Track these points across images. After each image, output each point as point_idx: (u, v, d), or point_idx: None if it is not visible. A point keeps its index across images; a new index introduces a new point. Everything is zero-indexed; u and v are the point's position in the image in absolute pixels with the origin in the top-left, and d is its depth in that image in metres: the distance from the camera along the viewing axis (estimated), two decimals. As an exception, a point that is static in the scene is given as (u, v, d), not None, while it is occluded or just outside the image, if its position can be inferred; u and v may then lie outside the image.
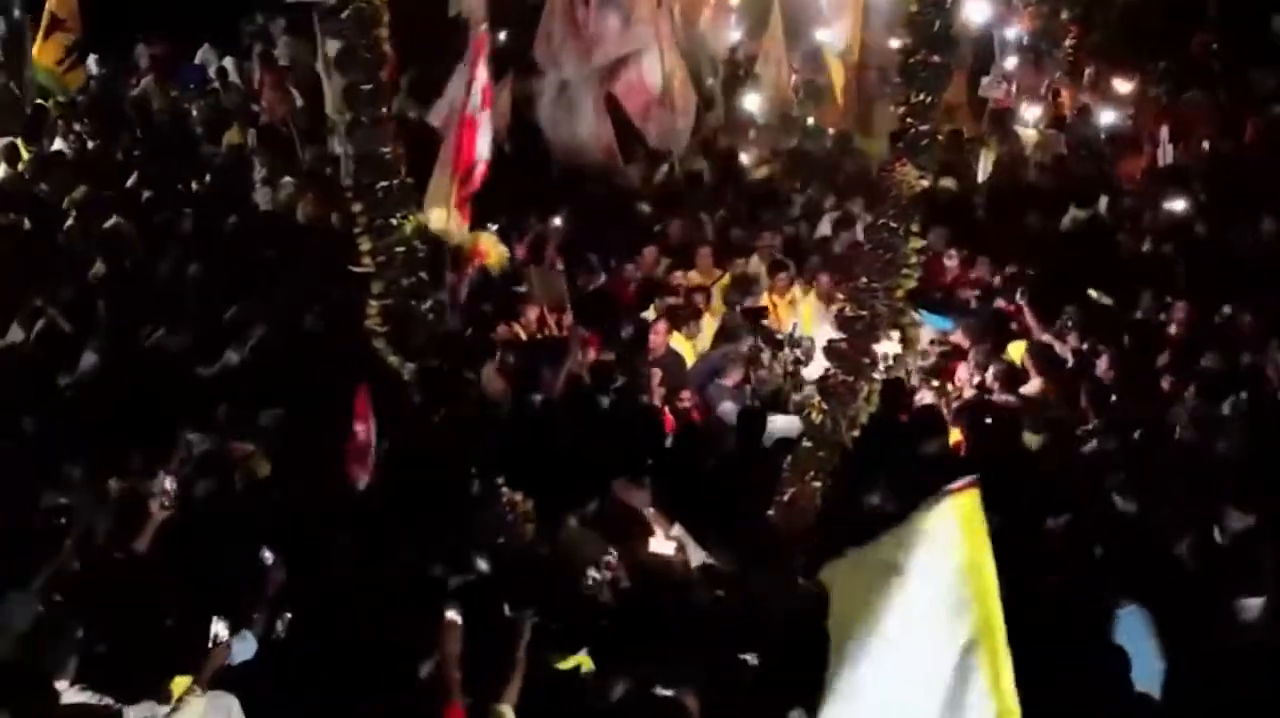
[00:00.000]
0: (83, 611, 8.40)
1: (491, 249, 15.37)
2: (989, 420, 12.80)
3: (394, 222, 10.63)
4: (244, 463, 11.34)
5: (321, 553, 9.81)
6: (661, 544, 10.27)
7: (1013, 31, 23.83)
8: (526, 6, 21.23)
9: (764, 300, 15.81)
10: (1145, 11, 23.56)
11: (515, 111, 18.94)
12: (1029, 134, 21.27)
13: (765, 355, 14.31)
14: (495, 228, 15.74)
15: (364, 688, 8.38)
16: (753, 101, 21.55)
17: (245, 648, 8.72)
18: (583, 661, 8.67)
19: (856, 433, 11.05)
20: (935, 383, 14.09)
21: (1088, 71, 23.41)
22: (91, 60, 23.28)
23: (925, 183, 10.69)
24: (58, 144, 20.11)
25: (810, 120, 21.36)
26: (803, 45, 23.05)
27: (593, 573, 9.72)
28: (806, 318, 15.62)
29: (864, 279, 10.89)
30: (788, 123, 21.29)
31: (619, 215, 18.11)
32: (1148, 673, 8.88)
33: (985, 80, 22.45)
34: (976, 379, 14.07)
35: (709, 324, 15.47)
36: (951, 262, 16.70)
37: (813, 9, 23.19)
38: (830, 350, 11.18)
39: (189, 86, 23.27)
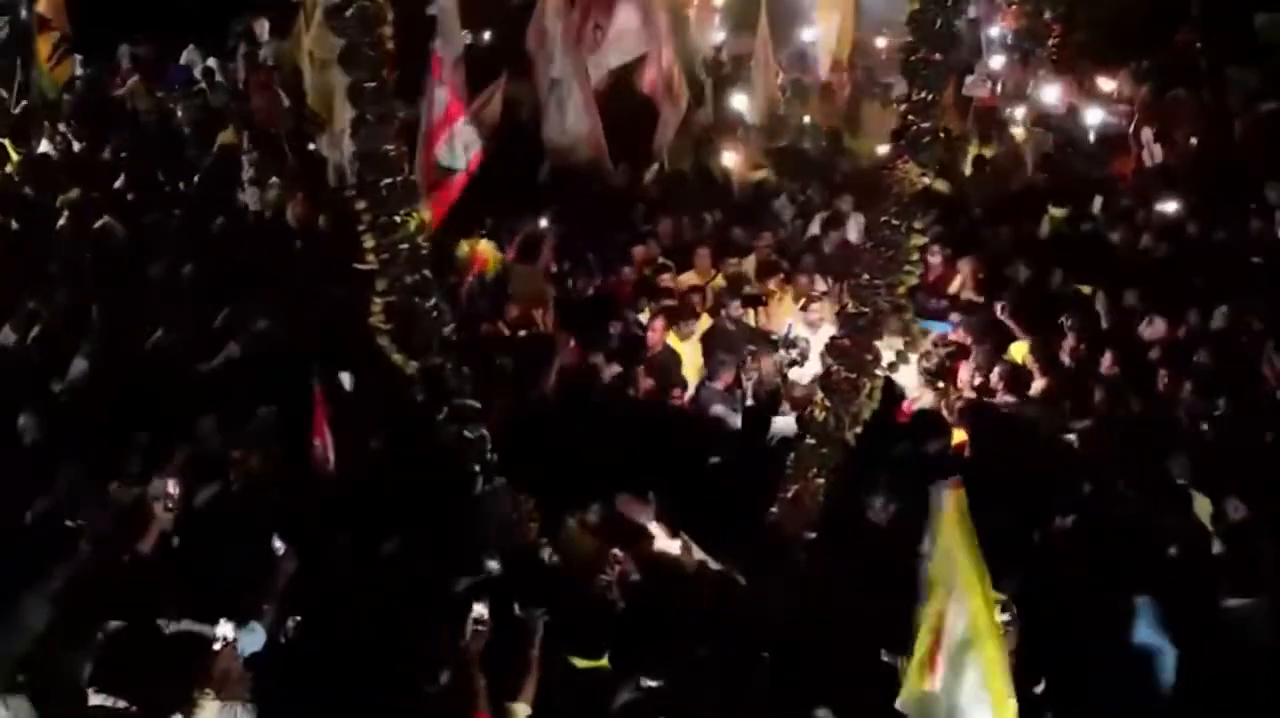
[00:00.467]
0: (95, 614, 8.41)
1: (491, 256, 15.46)
2: (993, 421, 12.87)
3: (397, 219, 10.52)
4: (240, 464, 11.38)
5: (325, 552, 9.84)
6: (666, 544, 10.29)
7: (996, 30, 23.92)
8: (511, 6, 21.31)
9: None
10: (1128, 9, 23.66)
11: (507, 112, 18.97)
12: (1017, 133, 21.28)
13: (760, 356, 14.22)
14: (486, 229, 15.93)
15: (375, 690, 8.41)
16: (742, 101, 21.57)
17: (254, 640, 8.74)
18: (603, 664, 8.69)
19: (859, 430, 11.04)
20: (939, 384, 14.08)
21: (1070, 69, 23.47)
22: (76, 60, 23.25)
23: (927, 180, 10.68)
24: (44, 146, 20.08)
25: (807, 119, 21.25)
26: (790, 45, 23.10)
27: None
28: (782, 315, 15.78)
29: (866, 276, 10.87)
30: (776, 123, 21.25)
31: (610, 215, 18.06)
32: (1159, 665, 9.15)
33: (969, 79, 22.50)
34: (979, 381, 14.10)
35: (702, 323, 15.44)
36: (935, 258, 16.65)
37: (800, 8, 23.24)
38: (832, 347, 11.18)
39: (174, 87, 23.21)
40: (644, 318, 15.13)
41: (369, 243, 10.60)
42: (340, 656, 8.72)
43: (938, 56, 10.57)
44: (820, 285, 15.81)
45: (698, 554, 10.21)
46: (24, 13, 21.50)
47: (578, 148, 18.74)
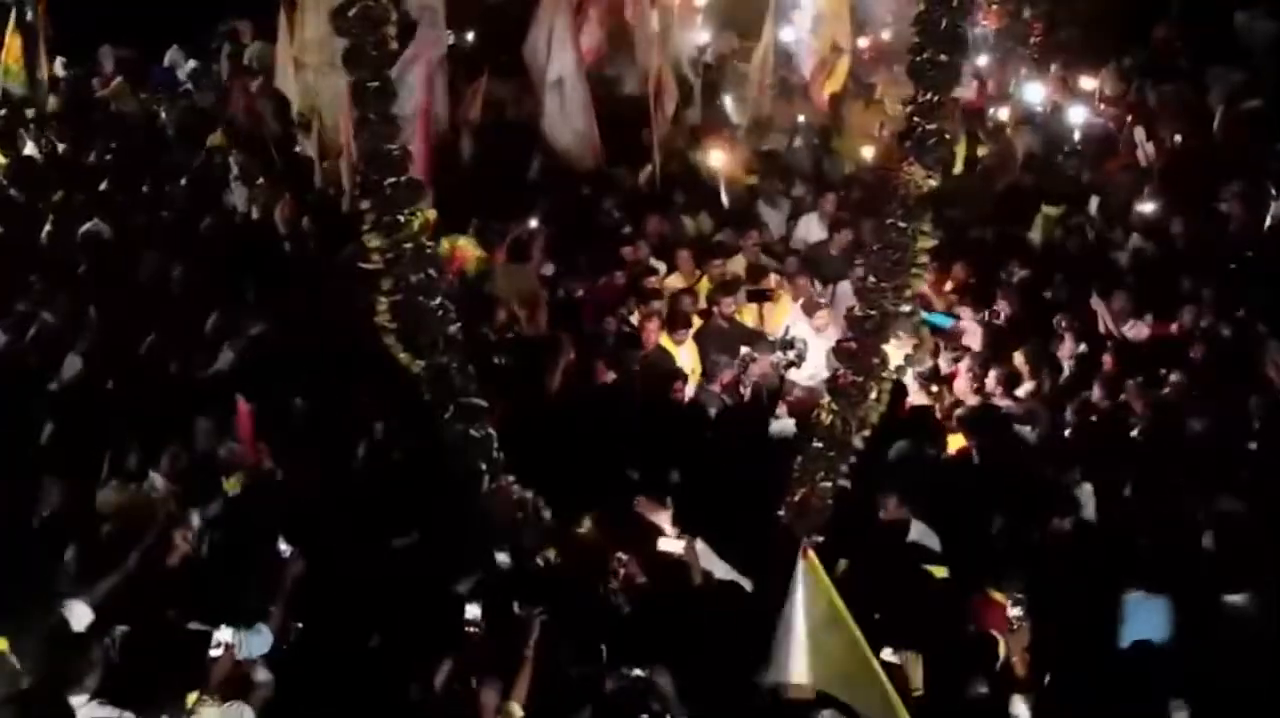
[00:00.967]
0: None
1: (471, 254, 15.34)
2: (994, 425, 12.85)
3: (401, 218, 10.47)
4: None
5: (329, 552, 9.86)
6: (670, 545, 10.24)
7: (979, 29, 23.86)
8: (487, 6, 21.20)
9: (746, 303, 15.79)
10: (1108, 7, 23.67)
11: (495, 113, 18.87)
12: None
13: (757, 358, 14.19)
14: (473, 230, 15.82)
15: (376, 690, 8.37)
16: (732, 103, 21.52)
17: (260, 643, 8.77)
18: None
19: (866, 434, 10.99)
20: (934, 388, 14.04)
21: (1053, 67, 23.44)
22: (59, 62, 23.12)
23: (933, 183, 10.60)
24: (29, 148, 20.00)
25: (801, 118, 21.19)
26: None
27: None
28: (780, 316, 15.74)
29: (872, 278, 10.82)
30: (763, 125, 21.18)
31: (601, 216, 17.97)
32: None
33: (953, 81, 22.37)
34: (976, 385, 14.05)
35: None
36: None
37: (781, 7, 23.17)
38: (839, 350, 11.14)
39: (157, 89, 23.01)
40: (635, 319, 15.08)
41: (374, 242, 10.57)
42: (342, 656, 8.76)
43: (944, 58, 10.50)
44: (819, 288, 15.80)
45: (703, 558, 10.14)
46: (30, 14, 21.31)
47: (579, 148, 18.67)
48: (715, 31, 23.60)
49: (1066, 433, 13.07)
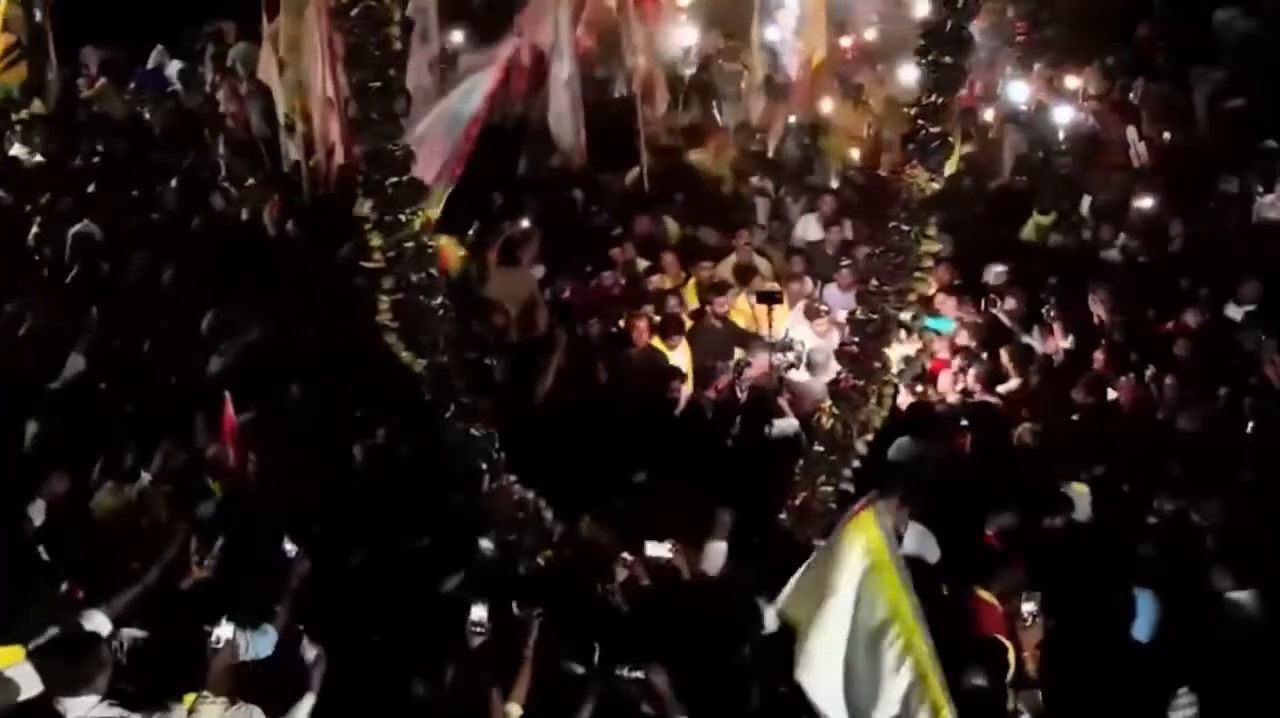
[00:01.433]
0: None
1: (452, 254, 15.26)
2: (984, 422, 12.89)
3: (403, 218, 10.51)
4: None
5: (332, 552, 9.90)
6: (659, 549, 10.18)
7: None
8: (472, 6, 21.10)
9: (738, 303, 15.74)
10: (1091, 6, 23.68)
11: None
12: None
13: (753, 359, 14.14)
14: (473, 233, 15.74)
15: (381, 690, 8.32)
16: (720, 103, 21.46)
17: (266, 643, 8.80)
18: None
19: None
20: (918, 388, 14.05)
21: (1037, 66, 23.43)
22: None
23: (936, 186, 10.54)
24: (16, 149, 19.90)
25: (792, 118, 21.12)
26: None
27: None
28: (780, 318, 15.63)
29: (875, 282, 10.80)
30: (751, 125, 21.10)
31: (591, 217, 17.94)
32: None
33: (945, 80, 22.33)
34: (960, 385, 14.05)
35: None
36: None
37: (765, 6, 23.11)
38: (841, 354, 11.12)
39: (141, 89, 22.80)
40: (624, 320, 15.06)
41: (375, 241, 10.61)
42: (347, 656, 8.66)
43: (948, 60, 10.45)
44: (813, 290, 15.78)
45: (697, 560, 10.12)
46: (38, 15, 21.16)
47: (571, 148, 18.70)
48: (701, 31, 23.41)
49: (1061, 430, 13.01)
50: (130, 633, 8.65)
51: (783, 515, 11.09)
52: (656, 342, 14.57)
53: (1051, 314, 15.04)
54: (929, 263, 10.73)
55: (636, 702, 8.24)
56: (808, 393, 13.76)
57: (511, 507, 10.83)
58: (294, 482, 11.15)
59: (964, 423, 12.93)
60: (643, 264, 16.69)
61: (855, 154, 20.80)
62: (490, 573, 9.96)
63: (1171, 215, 17.09)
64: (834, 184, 19.95)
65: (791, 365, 14.02)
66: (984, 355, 14.50)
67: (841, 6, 23.91)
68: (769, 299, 15.19)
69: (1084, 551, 10.54)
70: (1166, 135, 19.98)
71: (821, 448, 10.99)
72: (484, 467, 10.81)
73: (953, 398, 14.10)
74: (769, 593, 9.11)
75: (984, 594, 9.37)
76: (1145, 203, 17.45)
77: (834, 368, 12.24)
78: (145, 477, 11.20)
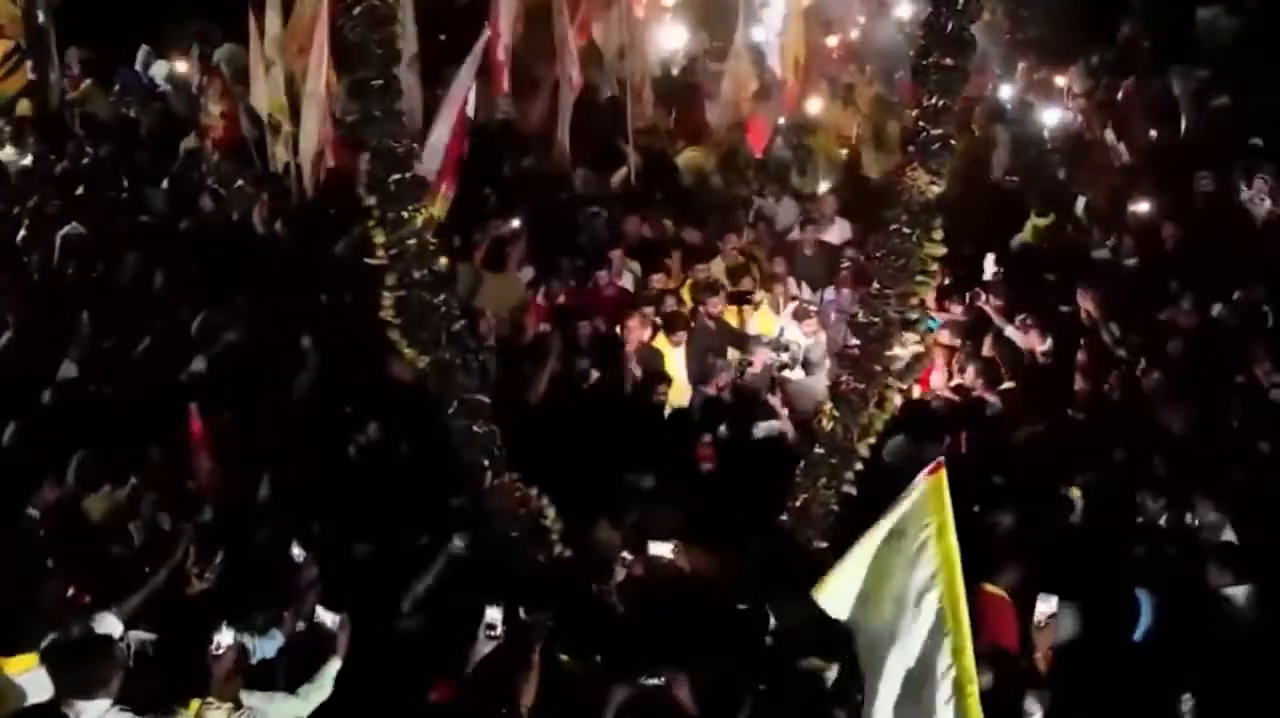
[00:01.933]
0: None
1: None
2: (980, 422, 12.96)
3: (405, 214, 10.45)
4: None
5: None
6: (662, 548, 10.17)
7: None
8: (455, 8, 21.04)
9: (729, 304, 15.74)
10: (1074, 5, 23.76)
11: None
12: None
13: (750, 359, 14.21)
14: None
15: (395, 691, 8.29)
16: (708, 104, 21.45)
17: (272, 647, 8.93)
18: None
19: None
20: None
21: (1021, 65, 23.49)
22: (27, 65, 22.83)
23: (937, 188, 10.48)
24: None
25: (781, 120, 21.10)
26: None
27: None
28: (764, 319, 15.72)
29: (876, 285, 10.75)
30: (740, 126, 21.08)
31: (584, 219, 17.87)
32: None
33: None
34: (955, 382, 14.04)
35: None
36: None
37: (754, 7, 23.12)
38: (842, 357, 11.11)
39: (126, 90, 22.77)
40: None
41: (379, 238, 10.53)
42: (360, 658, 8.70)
43: (949, 62, 10.38)
44: (805, 292, 15.76)
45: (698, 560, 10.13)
46: (41, 16, 21.09)
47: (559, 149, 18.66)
48: (688, 32, 23.42)
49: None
50: (138, 636, 8.68)
51: (784, 517, 11.07)
52: (660, 340, 14.66)
53: (1031, 314, 14.99)
54: (932, 266, 10.63)
55: (657, 708, 8.21)
56: (805, 393, 13.79)
57: (513, 504, 10.77)
58: (293, 481, 11.15)
59: (960, 422, 12.99)
60: (633, 265, 16.66)
61: (844, 154, 20.83)
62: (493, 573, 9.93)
63: (1160, 214, 17.09)
64: (822, 186, 19.97)
65: (785, 365, 13.99)
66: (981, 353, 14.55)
67: (827, 6, 23.99)
68: (740, 300, 15.21)
69: (1082, 550, 10.59)
70: (1153, 133, 20.05)
71: (822, 450, 10.94)
72: (486, 463, 10.73)
73: (948, 396, 14.12)
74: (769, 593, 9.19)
75: (992, 589, 9.36)
76: (1134, 201, 17.43)
77: (828, 366, 12.35)
78: (134, 480, 11.17)
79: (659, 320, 14.92)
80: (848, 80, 22.60)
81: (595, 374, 13.72)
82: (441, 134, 15.02)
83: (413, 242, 10.45)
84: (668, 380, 13.66)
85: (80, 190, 18.11)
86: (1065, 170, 19.52)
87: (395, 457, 11.77)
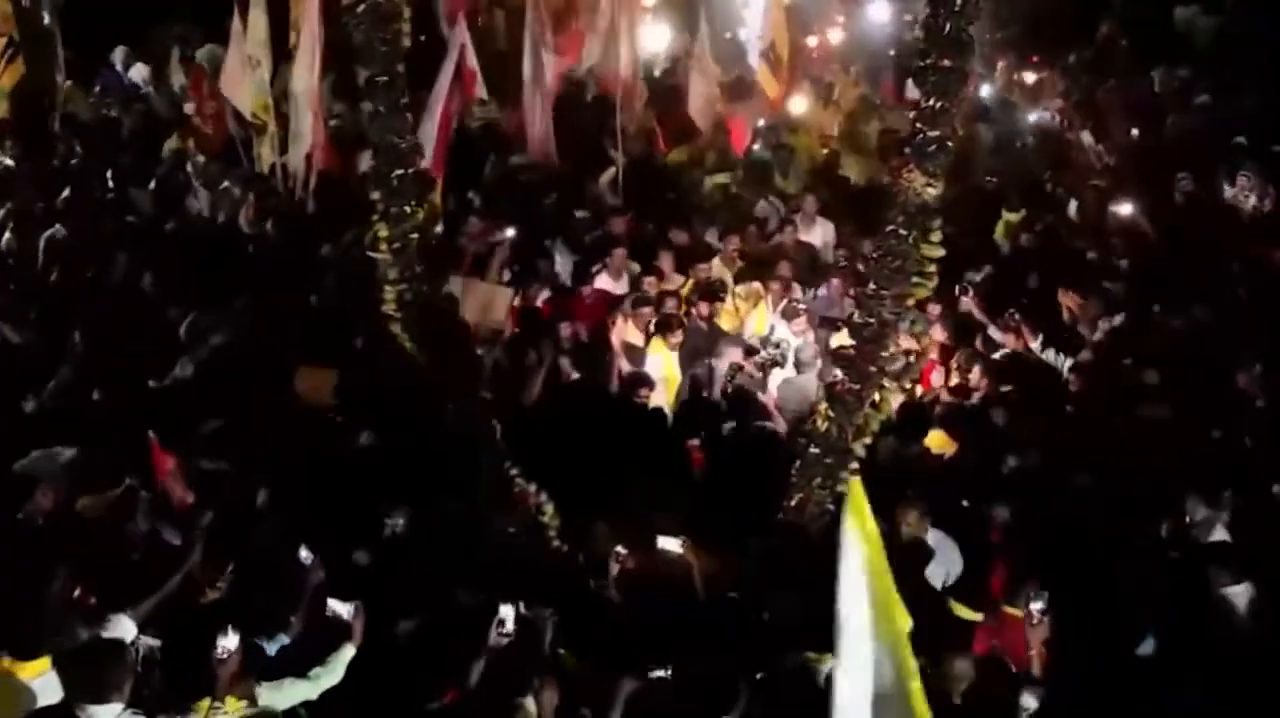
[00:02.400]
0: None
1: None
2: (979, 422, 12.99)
3: (408, 209, 10.61)
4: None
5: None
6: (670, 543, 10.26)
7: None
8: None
9: (727, 304, 15.79)
10: (1052, 5, 23.88)
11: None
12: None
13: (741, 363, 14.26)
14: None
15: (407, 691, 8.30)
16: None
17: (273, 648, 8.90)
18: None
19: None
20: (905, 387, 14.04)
21: (1000, 65, 23.60)
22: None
23: (934, 190, 10.47)
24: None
25: (761, 122, 21.15)
26: (725, 43, 23.00)
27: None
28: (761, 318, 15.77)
29: (872, 286, 10.76)
30: (721, 126, 21.12)
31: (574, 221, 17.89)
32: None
33: (910, 82, 22.41)
34: (955, 382, 14.12)
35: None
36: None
37: (733, 7, 23.16)
38: (838, 357, 11.13)
39: (106, 91, 22.73)
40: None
41: (382, 232, 10.67)
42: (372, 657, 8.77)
43: (948, 63, 10.35)
44: (795, 291, 15.82)
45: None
46: (46, 18, 20.99)
47: (539, 148, 18.70)
48: (672, 32, 23.46)
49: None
50: (146, 641, 8.66)
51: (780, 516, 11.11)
52: (657, 343, 14.69)
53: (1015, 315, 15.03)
54: (930, 267, 10.61)
55: (664, 700, 8.24)
56: (796, 391, 13.84)
57: (513, 499, 10.86)
58: (291, 483, 11.12)
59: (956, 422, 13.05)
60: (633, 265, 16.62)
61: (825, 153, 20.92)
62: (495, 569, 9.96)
63: (1143, 213, 17.20)
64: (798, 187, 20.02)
65: (775, 363, 14.05)
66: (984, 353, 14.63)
67: (805, 7, 24.04)
68: (711, 295, 15.33)
69: (1081, 549, 10.63)
70: (1135, 132, 20.17)
71: (818, 450, 10.97)
72: (484, 459, 10.85)
73: (945, 397, 14.19)
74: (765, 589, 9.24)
75: (1011, 611, 9.42)
76: (1115, 201, 17.52)
77: (819, 366, 12.40)
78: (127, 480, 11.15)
79: (653, 323, 14.94)
80: (829, 79, 22.62)
81: (575, 375, 13.78)
82: (428, 130, 14.98)
83: (415, 236, 10.60)
84: (651, 382, 13.66)
85: (66, 193, 18.07)
86: (1043, 169, 19.55)
87: (392, 454, 11.72)
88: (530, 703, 8.32)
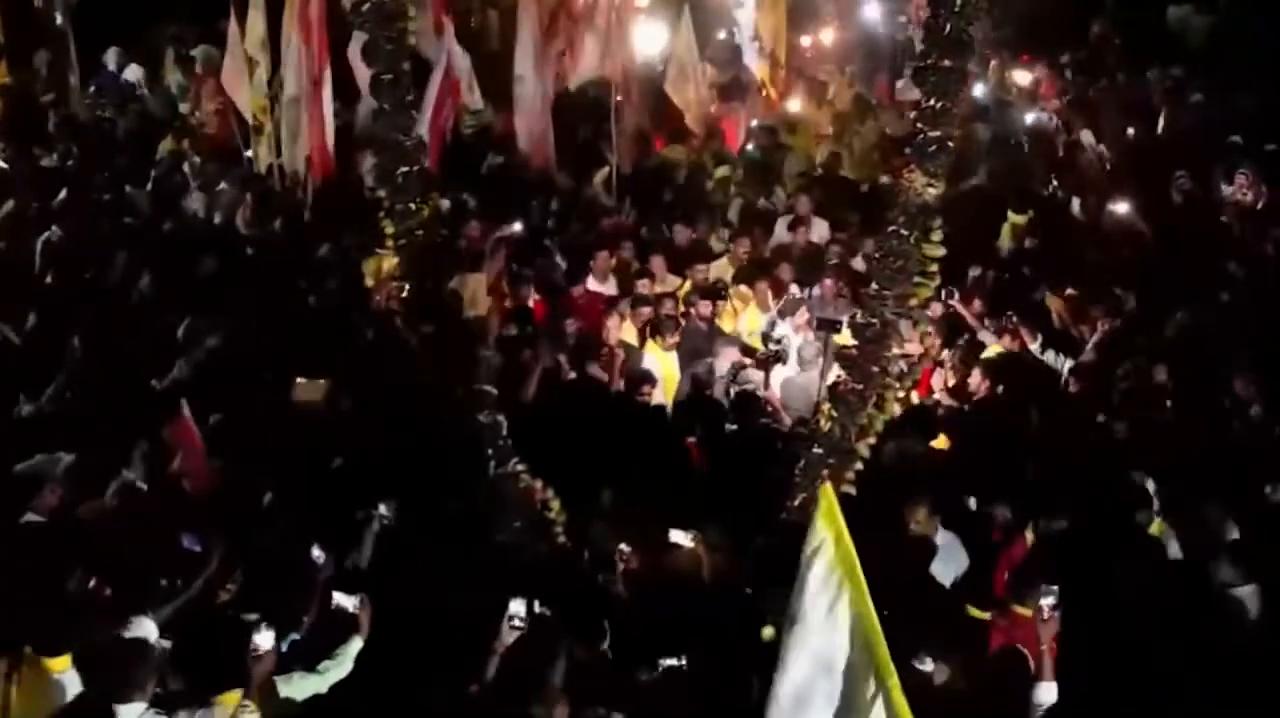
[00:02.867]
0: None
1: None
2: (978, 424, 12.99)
3: (413, 206, 10.67)
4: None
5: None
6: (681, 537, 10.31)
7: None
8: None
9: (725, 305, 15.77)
10: (1046, 4, 23.93)
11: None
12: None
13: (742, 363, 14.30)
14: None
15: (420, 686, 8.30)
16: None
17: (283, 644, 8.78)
18: None
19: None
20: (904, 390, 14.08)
21: (993, 64, 23.64)
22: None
23: (935, 190, 10.46)
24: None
25: (755, 122, 21.17)
26: (719, 44, 23.03)
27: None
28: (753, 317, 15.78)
29: (874, 286, 10.78)
30: (714, 126, 21.13)
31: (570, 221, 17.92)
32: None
33: (900, 83, 22.50)
34: (953, 383, 14.14)
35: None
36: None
37: (724, 6, 23.19)
38: (841, 357, 11.13)
39: (102, 93, 22.66)
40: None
41: (387, 229, 10.73)
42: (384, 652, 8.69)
43: (948, 63, 10.34)
44: (794, 290, 15.83)
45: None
46: (59, 18, 20.96)
47: (532, 149, 18.74)
48: (666, 33, 23.46)
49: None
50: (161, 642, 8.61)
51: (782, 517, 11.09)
52: (652, 344, 14.71)
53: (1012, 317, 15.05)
54: (931, 267, 10.61)
55: (676, 694, 8.26)
56: (798, 389, 13.88)
57: (518, 494, 10.87)
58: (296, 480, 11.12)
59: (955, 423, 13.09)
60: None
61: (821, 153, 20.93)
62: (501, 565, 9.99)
63: (1139, 213, 17.24)
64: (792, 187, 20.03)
65: (776, 358, 14.08)
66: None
67: (799, 7, 24.08)
68: (714, 295, 15.34)
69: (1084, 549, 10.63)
70: (1130, 131, 20.22)
71: (821, 451, 10.96)
72: (491, 453, 10.85)
73: (945, 399, 14.22)
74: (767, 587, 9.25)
75: (1021, 610, 9.42)
76: (1113, 200, 17.57)
77: (820, 364, 12.42)
78: (128, 475, 11.15)
79: (649, 323, 14.95)
80: (824, 79, 22.64)
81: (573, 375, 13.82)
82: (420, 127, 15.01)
83: (420, 233, 10.62)
84: (653, 380, 13.70)
85: (63, 194, 18.07)
86: (1039, 168, 19.58)
87: (395, 452, 11.73)
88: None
